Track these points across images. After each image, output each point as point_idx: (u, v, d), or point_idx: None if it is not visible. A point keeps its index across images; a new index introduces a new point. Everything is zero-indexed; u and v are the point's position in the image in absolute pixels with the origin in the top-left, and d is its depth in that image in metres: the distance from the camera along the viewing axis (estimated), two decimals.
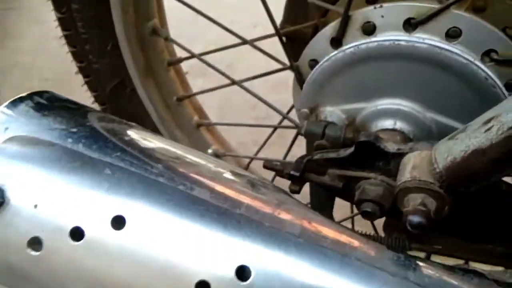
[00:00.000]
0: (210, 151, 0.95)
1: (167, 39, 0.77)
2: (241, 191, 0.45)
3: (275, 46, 0.75)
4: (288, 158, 0.89)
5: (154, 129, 0.89)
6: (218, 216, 0.39)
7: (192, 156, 0.50)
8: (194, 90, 0.91)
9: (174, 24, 0.81)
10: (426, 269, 0.40)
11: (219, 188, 0.44)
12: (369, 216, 0.50)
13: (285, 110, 0.80)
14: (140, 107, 0.85)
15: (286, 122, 0.82)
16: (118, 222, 0.37)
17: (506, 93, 0.49)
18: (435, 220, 0.43)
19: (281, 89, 0.67)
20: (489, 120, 0.36)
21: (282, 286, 0.36)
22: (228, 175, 0.48)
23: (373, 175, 0.51)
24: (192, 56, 0.76)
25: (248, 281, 0.36)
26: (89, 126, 0.47)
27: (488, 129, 0.35)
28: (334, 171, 0.54)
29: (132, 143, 0.47)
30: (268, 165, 0.57)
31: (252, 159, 0.94)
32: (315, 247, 0.39)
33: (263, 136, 0.90)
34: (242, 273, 0.36)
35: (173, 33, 0.80)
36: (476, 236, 0.51)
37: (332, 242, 0.41)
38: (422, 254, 0.85)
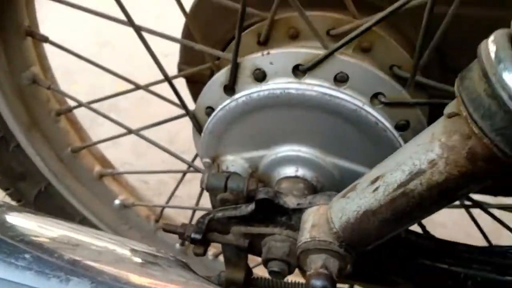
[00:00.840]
0: (117, 202, 0.88)
1: (50, 88, 0.69)
2: (130, 276, 0.40)
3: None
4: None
5: (47, 186, 0.80)
6: None
7: (75, 235, 0.44)
8: (105, 127, 0.83)
9: (83, 52, 0.72)
10: None
11: (102, 276, 0.39)
12: (278, 275, 0.47)
13: None
14: (29, 164, 0.76)
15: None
16: None
17: (396, 135, 0.50)
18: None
19: None
20: (375, 180, 0.35)
21: None
22: (118, 255, 0.43)
23: (278, 230, 0.49)
24: (80, 105, 0.70)
25: None
26: None
27: (375, 189, 0.35)
28: (239, 228, 0.51)
29: None
30: (168, 229, 0.52)
31: (163, 207, 0.88)
32: None
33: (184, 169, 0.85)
34: None
35: (79, 64, 0.71)
36: (382, 281, 0.50)
37: None
38: None
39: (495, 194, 0.76)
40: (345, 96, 0.49)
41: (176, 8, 0.57)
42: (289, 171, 0.54)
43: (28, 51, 0.68)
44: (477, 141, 0.26)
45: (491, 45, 0.24)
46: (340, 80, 0.50)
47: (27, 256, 0.37)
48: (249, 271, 0.59)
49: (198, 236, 0.49)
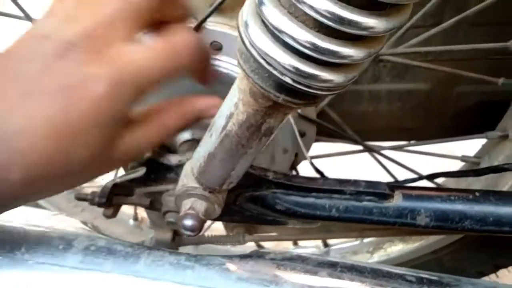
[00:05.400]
0: None
1: None
2: None
3: None
4: None
5: None
6: None
7: None
8: None
9: None
10: (203, 264, 0.46)
11: None
12: (174, 225, 0.55)
13: None
14: None
15: None
16: None
17: None
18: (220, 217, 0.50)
19: None
20: (210, 128, 0.42)
21: None
22: None
23: (171, 186, 0.56)
24: None
25: None
26: None
27: (211, 136, 0.42)
28: (140, 189, 0.58)
29: None
30: (79, 196, 0.60)
31: None
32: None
33: None
34: None
35: None
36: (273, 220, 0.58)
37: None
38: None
39: (408, 139, 0.84)
40: (219, 62, 0.56)
41: None
42: (187, 135, 0.61)
43: None
44: (250, 82, 0.33)
45: (244, 14, 0.31)
46: (216, 48, 0.57)
47: None
48: (174, 231, 0.67)
49: (103, 200, 0.57)
